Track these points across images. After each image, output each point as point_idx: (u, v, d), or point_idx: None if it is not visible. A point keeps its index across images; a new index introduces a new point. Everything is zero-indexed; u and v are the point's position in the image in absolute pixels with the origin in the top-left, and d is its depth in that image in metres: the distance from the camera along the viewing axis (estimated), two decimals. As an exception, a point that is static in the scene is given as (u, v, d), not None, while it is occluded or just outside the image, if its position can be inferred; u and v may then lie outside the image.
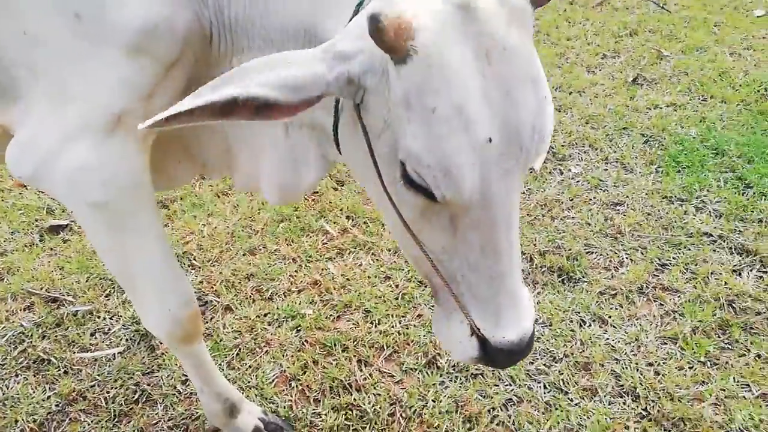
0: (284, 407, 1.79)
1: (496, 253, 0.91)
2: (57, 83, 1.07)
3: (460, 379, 1.85)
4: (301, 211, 2.53)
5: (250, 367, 1.93)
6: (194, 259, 2.35)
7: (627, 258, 2.25)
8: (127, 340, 2.04)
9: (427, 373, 1.88)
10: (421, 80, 0.79)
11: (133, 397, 1.85)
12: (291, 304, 2.13)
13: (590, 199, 2.53)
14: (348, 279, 2.22)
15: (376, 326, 2.04)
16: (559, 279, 2.19)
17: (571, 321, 2.03)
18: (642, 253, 2.26)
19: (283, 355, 1.95)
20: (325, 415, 1.75)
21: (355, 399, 1.80)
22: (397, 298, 2.12)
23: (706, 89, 3.12)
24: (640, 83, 3.24)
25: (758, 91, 3.05)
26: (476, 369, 1.88)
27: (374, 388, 1.83)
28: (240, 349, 1.99)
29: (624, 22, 3.82)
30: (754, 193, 2.46)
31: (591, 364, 1.87)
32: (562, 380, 1.83)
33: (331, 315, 2.09)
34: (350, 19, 0.90)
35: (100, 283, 2.25)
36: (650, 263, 2.21)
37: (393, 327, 2.03)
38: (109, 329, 2.08)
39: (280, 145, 1.19)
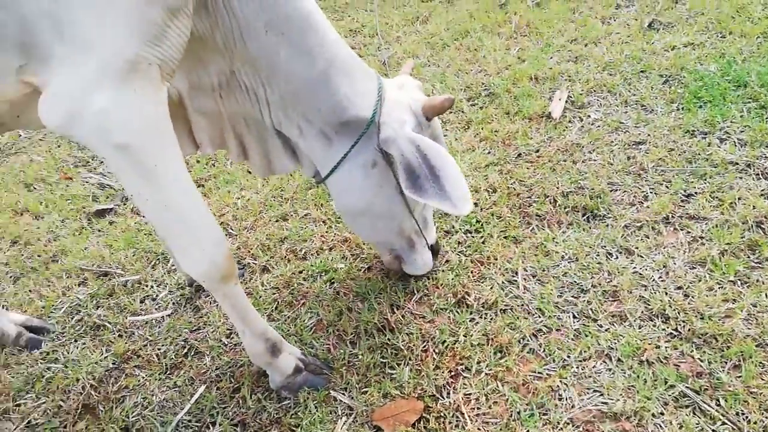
0: (323, 350, 1.88)
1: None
2: (77, 33, 1.18)
3: (490, 315, 1.91)
4: (328, 177, 2.62)
5: (288, 317, 2.03)
6: (231, 228, 2.47)
7: (651, 192, 2.26)
8: (173, 303, 2.18)
9: (456, 311, 1.94)
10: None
11: (183, 351, 1.97)
12: (324, 260, 2.23)
13: (611, 141, 2.53)
14: (376, 234, 2.30)
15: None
16: (584, 217, 2.21)
17: (597, 254, 2.06)
18: (666, 186, 2.26)
19: (320, 305, 2.05)
20: (362, 354, 1.84)
21: (389, 339, 1.88)
22: (424, 247, 2.19)
23: (724, 26, 3.07)
24: (656, 28, 3.21)
25: (780, 21, 2.99)
26: (505, 305, 1.93)
27: (407, 327, 1.91)
28: (278, 303, 2.09)
29: (638, -28, 3.77)
30: (780, 120, 2.42)
31: (619, 292, 1.90)
32: (591, 309, 1.87)
33: (362, 267, 2.18)
34: (375, 108, 1.61)
35: (146, 256, 2.40)
36: (675, 195, 2.21)
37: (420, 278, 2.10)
38: (157, 295, 2.22)
39: (259, 143, 1.74)
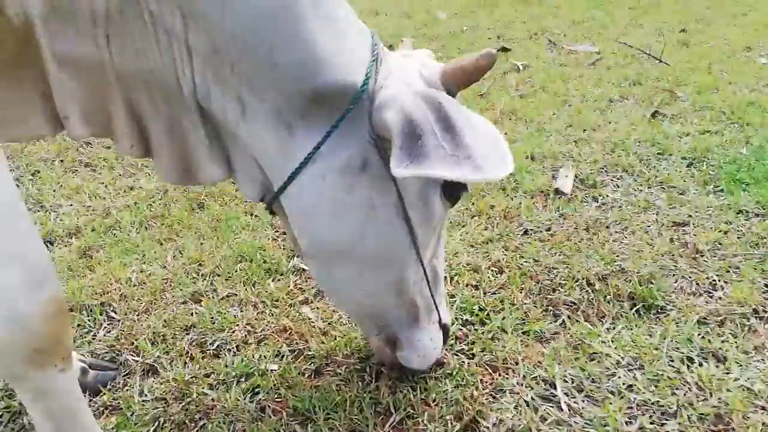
0: None
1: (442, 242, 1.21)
2: None
3: (522, 452, 1.13)
4: (268, 249, 1.89)
5: (173, 451, 1.17)
6: (112, 311, 1.64)
7: (718, 279, 1.63)
8: (-20, 423, 1.28)
9: (465, 444, 1.15)
10: None
11: None
12: (246, 358, 1.42)
13: (645, 221, 1.95)
14: (331, 324, 1.54)
15: (376, 380, 1.33)
16: (633, 309, 1.54)
17: (671, 360, 1.35)
18: (736, 273, 1.65)
19: (231, 429, 1.21)
20: None
21: (349, 493, 1.05)
22: (405, 343, 1.42)
23: (740, 116, 2.73)
24: (661, 119, 2.84)
25: (799, 115, 2.67)
26: (544, 434, 1.16)
27: (381, 472, 1.09)
28: (161, 423, 1.24)
29: (624, 74, 3.54)
30: None
31: (727, 416, 1.17)
32: (688, 444, 1.12)
33: (307, 369, 1.38)
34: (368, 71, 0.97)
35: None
36: (752, 283, 1.59)
37: (403, 381, 1.32)
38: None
39: (169, 127, 1.00)
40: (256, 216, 2.13)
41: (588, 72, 3.68)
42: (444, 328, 1.26)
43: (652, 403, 1.23)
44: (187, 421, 1.24)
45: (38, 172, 2.57)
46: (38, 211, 2.23)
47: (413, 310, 1.16)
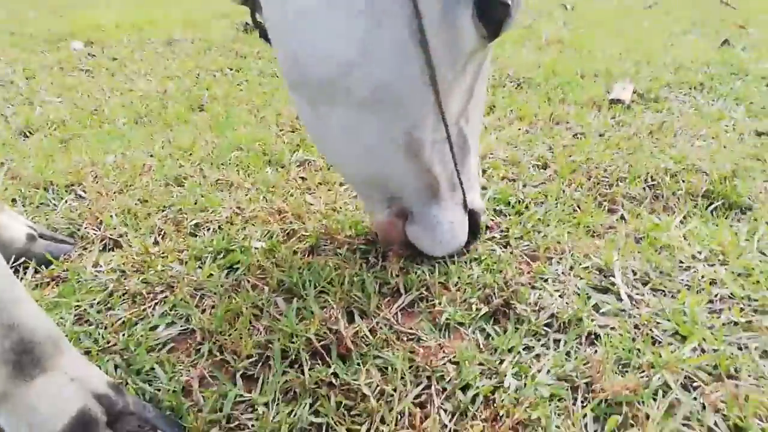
0: (172, 388, 0.77)
1: (483, 102, 0.94)
2: None
3: (571, 343, 0.84)
4: (269, 142, 1.63)
5: (120, 321, 0.92)
6: (83, 190, 1.41)
7: (820, 182, 1.31)
8: None
9: (495, 329, 0.87)
10: None
11: None
12: (227, 236, 1.16)
13: (720, 129, 1.63)
14: (336, 210, 1.27)
15: (383, 260, 1.06)
16: (710, 207, 1.23)
17: (764, 254, 1.05)
18: (841, 178, 1.33)
19: (197, 304, 0.96)
20: (265, 406, 0.73)
21: (336, 372, 0.78)
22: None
23: (826, 44, 2.36)
24: (732, 47, 2.48)
25: None
26: (599, 324, 0.87)
27: (381, 353, 0.82)
28: (111, 293, 0.99)
29: (685, 16, 3.18)
30: None
31: None
32: (800, 344, 0.82)
33: (300, 249, 1.12)
34: None
35: None
36: None
37: (417, 264, 1.04)
38: None
39: None
40: (263, 117, 1.87)
41: (644, 13, 3.33)
42: (472, 217, 1.00)
43: (742, 297, 0.93)
44: (144, 293, 0.99)
45: (34, 77, 2.37)
46: (23, 104, 2.02)
47: (432, 182, 0.89)
